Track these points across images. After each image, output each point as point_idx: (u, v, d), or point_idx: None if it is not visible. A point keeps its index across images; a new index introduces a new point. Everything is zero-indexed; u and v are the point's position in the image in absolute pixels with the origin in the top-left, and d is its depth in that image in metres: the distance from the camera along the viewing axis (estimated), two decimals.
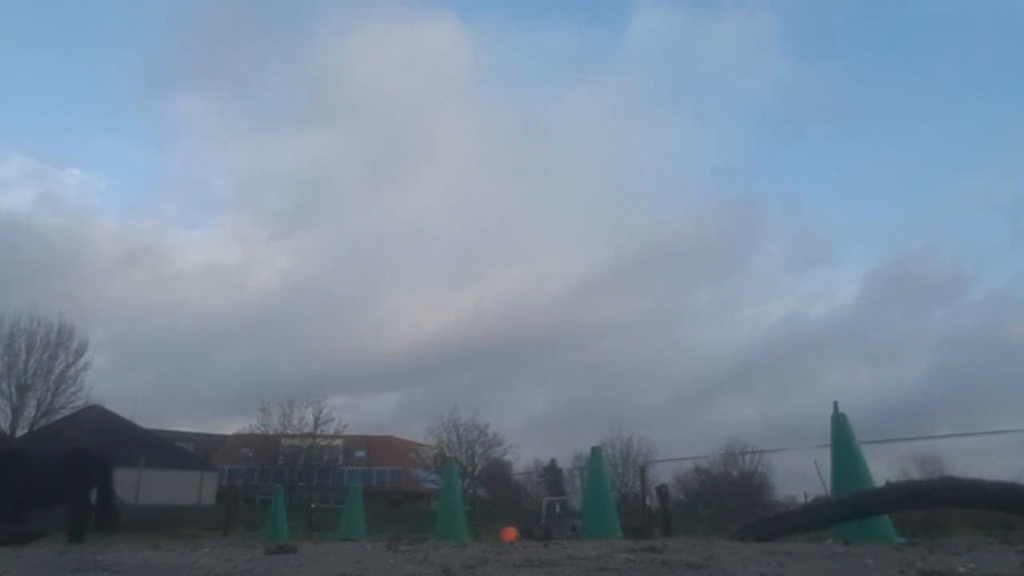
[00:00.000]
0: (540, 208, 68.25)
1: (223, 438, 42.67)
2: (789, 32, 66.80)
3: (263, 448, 36.50)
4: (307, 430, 35.25)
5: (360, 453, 44.14)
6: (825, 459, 5.61)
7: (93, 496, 6.69)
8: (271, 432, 35.70)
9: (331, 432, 36.63)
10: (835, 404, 4.38)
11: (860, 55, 68.13)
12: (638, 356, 54.16)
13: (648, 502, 15.66)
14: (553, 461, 41.84)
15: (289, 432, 35.47)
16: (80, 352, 26.50)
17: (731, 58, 67.37)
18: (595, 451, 5.87)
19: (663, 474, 27.14)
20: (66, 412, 26.17)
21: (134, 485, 23.66)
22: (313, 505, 24.51)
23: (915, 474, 25.10)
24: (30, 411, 25.43)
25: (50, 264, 47.91)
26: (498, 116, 69.23)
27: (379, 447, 45.17)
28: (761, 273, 61.61)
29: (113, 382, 46.25)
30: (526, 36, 72.66)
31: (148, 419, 37.40)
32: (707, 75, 69.31)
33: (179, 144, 68.35)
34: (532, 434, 60.33)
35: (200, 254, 64.02)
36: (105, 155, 71.22)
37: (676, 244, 60.57)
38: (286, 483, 29.05)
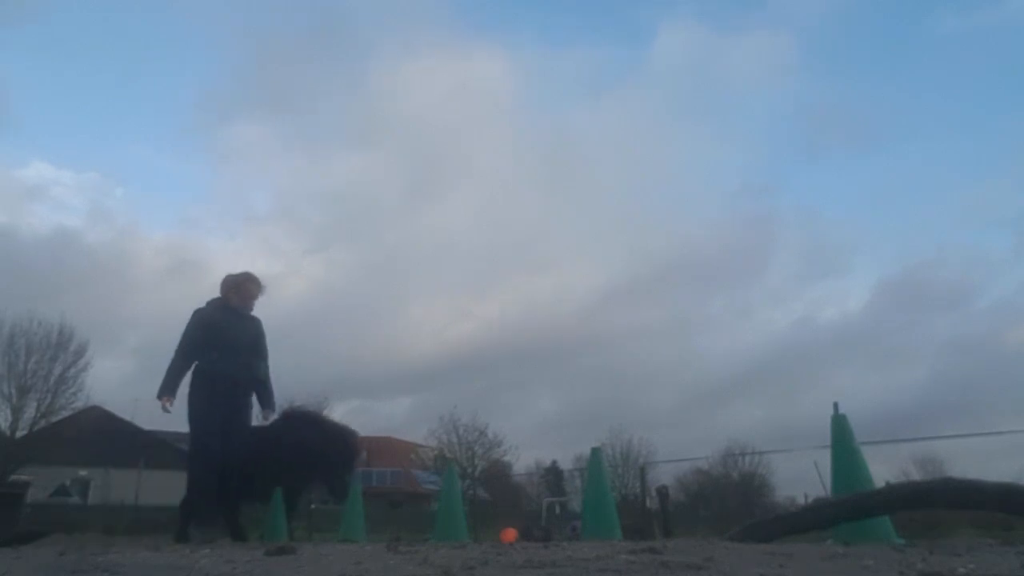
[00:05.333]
0: (561, 220, 69.17)
1: None
2: (806, 49, 67.65)
3: None
4: None
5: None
6: (825, 460, 5.60)
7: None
8: None
9: None
10: (835, 405, 4.37)
11: (872, 68, 68.97)
12: (645, 361, 54.56)
13: (648, 503, 15.67)
14: (554, 462, 41.84)
15: None
16: (80, 354, 26.51)
17: (752, 76, 68.16)
18: (595, 452, 5.87)
19: (663, 475, 27.10)
20: (66, 413, 26.19)
21: (134, 486, 23.67)
22: (313, 506, 24.46)
23: (915, 475, 25.06)
24: (30, 412, 25.46)
25: (93, 273, 49.26)
26: (528, 134, 70.40)
27: (379, 448, 45.14)
28: (770, 281, 62.14)
29: (136, 385, 47.64)
30: (557, 57, 73.95)
31: (148, 420, 37.54)
32: (728, 92, 70.09)
33: (228, 163, 69.84)
34: (537, 436, 60.72)
35: (237, 266, 64.78)
36: (153, 171, 73.26)
37: (687, 255, 61.09)
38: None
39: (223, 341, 5.38)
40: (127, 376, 46.39)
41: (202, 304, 5.72)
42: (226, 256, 64.33)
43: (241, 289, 5.71)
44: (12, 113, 59.85)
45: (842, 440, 4.23)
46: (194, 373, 5.37)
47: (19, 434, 24.93)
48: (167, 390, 5.28)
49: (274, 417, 5.88)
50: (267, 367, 5.73)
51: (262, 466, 5.77)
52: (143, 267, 56.77)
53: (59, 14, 60.22)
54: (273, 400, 5.82)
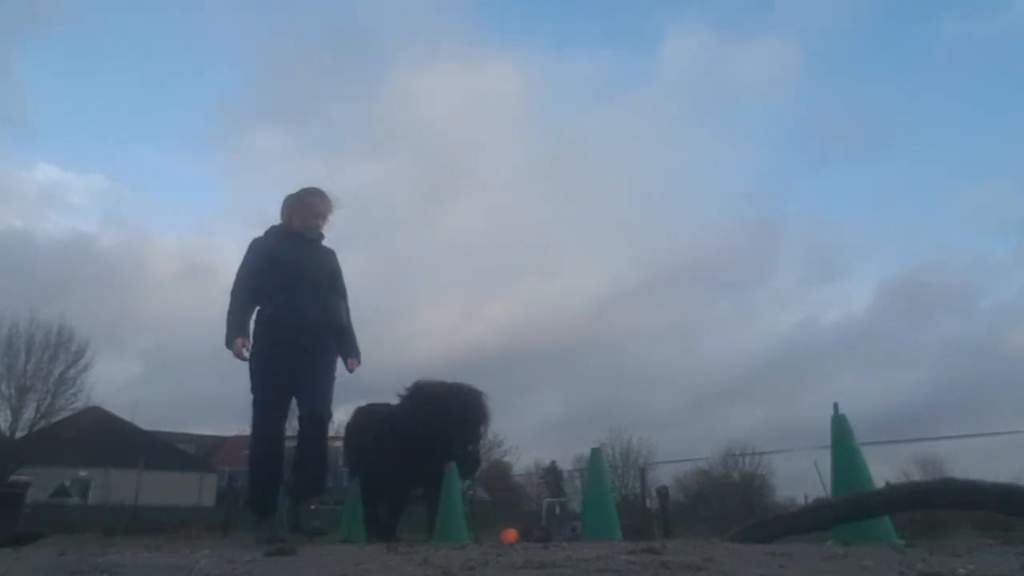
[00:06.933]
0: (569, 224, 69.53)
1: (223, 439, 42.69)
2: (812, 53, 68.11)
3: None
4: None
5: None
6: (825, 461, 5.60)
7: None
8: None
9: (331, 433, 36.57)
10: (835, 405, 4.37)
11: (876, 71, 69.42)
12: (647, 361, 54.59)
13: (648, 503, 15.67)
14: (553, 463, 41.82)
15: (289, 434, 35.40)
16: (79, 354, 26.54)
17: (758, 80, 68.63)
18: (595, 452, 5.87)
19: (663, 475, 27.12)
20: (66, 413, 26.21)
21: (134, 486, 23.68)
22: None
23: (916, 476, 25.07)
24: (30, 412, 25.47)
25: (101, 276, 49.72)
26: (536, 141, 71.11)
27: None
28: (773, 283, 62.40)
29: (145, 387, 48.13)
30: (565, 63, 74.45)
31: (148, 421, 37.64)
32: (734, 96, 70.49)
33: (241, 167, 69.99)
34: (537, 436, 60.83)
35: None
36: (166, 176, 73.11)
37: (692, 257, 61.34)
38: (285, 485, 28.96)
39: (289, 278, 4.21)
40: (134, 378, 46.70)
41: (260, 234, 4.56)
42: (235, 260, 64.30)
43: (303, 205, 4.41)
44: (21, 115, 60.24)
45: (842, 440, 4.23)
46: (256, 322, 4.29)
47: (19, 435, 24.94)
48: (236, 331, 4.15)
49: (358, 367, 4.79)
50: (348, 308, 4.64)
51: (393, 455, 4.95)
52: (152, 270, 57.02)
53: (71, 16, 60.89)
54: (357, 347, 4.70)
